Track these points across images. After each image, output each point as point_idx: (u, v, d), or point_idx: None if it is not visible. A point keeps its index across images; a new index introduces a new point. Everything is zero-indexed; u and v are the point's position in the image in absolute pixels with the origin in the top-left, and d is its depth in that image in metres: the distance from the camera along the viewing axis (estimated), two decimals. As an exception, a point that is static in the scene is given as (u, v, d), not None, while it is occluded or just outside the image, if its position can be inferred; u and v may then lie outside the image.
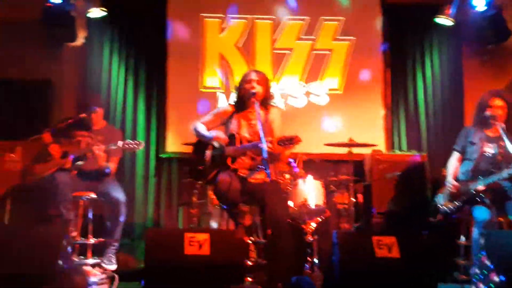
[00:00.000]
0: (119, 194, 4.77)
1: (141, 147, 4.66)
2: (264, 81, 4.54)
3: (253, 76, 4.51)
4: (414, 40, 6.88)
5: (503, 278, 3.40)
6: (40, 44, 6.43)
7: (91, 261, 4.59)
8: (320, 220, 5.26)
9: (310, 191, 5.16)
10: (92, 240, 4.65)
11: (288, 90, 6.72)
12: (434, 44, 6.85)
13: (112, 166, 4.89)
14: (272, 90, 4.75)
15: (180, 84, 6.66)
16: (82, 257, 4.61)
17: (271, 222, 4.24)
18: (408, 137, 6.74)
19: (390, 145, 6.69)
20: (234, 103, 4.67)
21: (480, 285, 3.67)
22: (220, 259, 3.29)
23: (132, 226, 6.29)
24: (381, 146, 6.57)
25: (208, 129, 4.54)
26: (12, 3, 6.30)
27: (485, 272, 3.62)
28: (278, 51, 6.78)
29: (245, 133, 4.45)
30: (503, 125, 4.62)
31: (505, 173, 4.55)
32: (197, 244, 3.30)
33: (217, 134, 4.37)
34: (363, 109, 6.74)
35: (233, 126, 4.50)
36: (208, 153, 4.43)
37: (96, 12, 6.33)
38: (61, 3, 6.19)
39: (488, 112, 4.79)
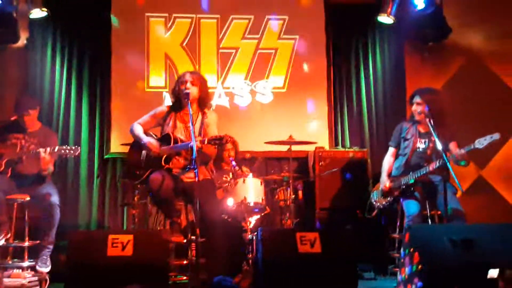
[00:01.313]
0: (53, 197, 4.74)
1: (77, 153, 4.64)
2: (199, 82, 4.58)
3: (188, 77, 4.56)
4: (357, 38, 6.99)
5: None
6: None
7: (26, 263, 4.55)
8: (260, 217, 5.35)
9: (249, 189, 5.22)
10: (26, 243, 4.61)
11: (234, 89, 6.76)
12: (376, 42, 6.97)
13: (51, 169, 4.86)
14: (209, 91, 4.80)
15: (125, 84, 6.64)
16: (16, 259, 4.57)
17: (203, 221, 4.31)
18: (351, 134, 6.84)
19: (334, 142, 6.78)
20: (171, 104, 4.70)
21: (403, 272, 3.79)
22: (142, 260, 3.31)
23: (76, 227, 6.26)
24: (325, 143, 6.67)
25: (145, 130, 4.58)
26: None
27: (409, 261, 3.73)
28: (223, 50, 6.81)
29: (180, 134, 4.48)
30: (431, 121, 4.74)
31: (431, 166, 4.70)
32: (120, 245, 3.32)
33: (150, 141, 4.38)
34: (307, 107, 6.83)
35: (169, 127, 4.54)
36: (144, 153, 4.45)
37: (38, 13, 6.25)
38: (2, 4, 6.10)
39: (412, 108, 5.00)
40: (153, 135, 4.55)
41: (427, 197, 4.94)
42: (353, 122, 6.89)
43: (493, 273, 3.01)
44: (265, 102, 6.79)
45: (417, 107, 5.03)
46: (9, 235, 4.60)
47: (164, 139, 4.43)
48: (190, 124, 4.11)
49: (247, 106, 6.77)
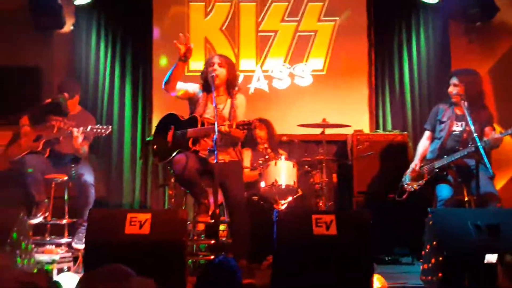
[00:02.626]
0: (88, 177, 4.91)
1: (108, 131, 4.79)
2: (227, 65, 4.60)
3: (216, 59, 4.59)
4: (400, 19, 6.79)
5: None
6: (28, 31, 6.58)
7: (63, 240, 4.77)
8: (292, 199, 5.36)
9: (281, 171, 5.24)
10: (65, 221, 4.83)
11: (272, 72, 6.75)
12: (420, 23, 6.74)
13: (85, 149, 5.04)
14: (237, 74, 4.82)
15: (166, 68, 6.72)
16: (53, 236, 4.79)
17: (228, 202, 4.37)
18: (393, 118, 6.69)
19: (375, 125, 6.66)
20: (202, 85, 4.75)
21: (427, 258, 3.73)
22: (159, 238, 3.39)
23: (121, 207, 6.47)
24: (365, 126, 6.57)
25: (180, 85, 4.59)
26: (-1, -8, 6.49)
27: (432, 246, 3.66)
28: (262, 33, 6.81)
29: (210, 116, 4.51)
30: (466, 103, 4.61)
31: (465, 150, 4.56)
32: (138, 223, 3.41)
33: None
34: (347, 90, 6.73)
35: (200, 107, 4.58)
36: (170, 134, 4.52)
37: (82, -1, 6.49)
38: (47, -10, 6.34)
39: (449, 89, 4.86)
40: (180, 116, 4.61)
41: (463, 181, 4.81)
42: (395, 106, 6.72)
43: (491, 258, 2.90)
44: (304, 85, 6.75)
45: (454, 89, 4.88)
46: (47, 214, 4.82)
47: (191, 120, 4.48)
48: (214, 106, 4.15)
49: (285, 89, 6.75)
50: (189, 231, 5.16)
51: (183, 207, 5.70)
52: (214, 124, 4.17)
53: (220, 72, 4.51)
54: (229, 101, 4.59)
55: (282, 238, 3.43)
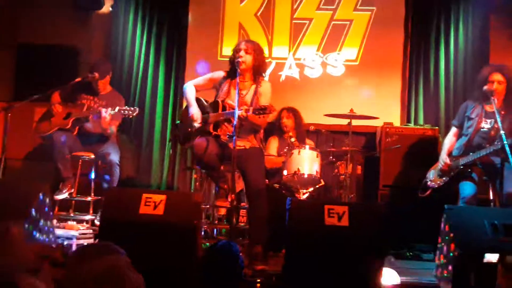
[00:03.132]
0: (114, 157, 5.02)
1: (136, 113, 4.88)
2: (254, 51, 4.57)
3: (242, 45, 4.58)
4: (439, 11, 6.62)
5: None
6: (68, 11, 6.77)
7: (87, 217, 4.90)
8: (314, 189, 5.35)
9: (304, 161, 5.22)
10: (89, 198, 4.96)
11: (305, 60, 6.72)
12: (460, 16, 6.56)
13: (112, 129, 5.15)
14: (266, 61, 4.81)
15: (199, 52, 6.82)
16: (77, 212, 4.93)
17: (248, 188, 4.40)
18: (425, 112, 6.55)
19: (406, 118, 6.56)
20: (227, 71, 4.77)
21: (441, 255, 3.68)
22: (172, 219, 3.44)
23: (148, 188, 6.60)
24: (396, 119, 6.48)
25: (199, 90, 4.69)
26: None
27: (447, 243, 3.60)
28: (297, 21, 6.77)
29: (232, 101, 4.53)
30: (496, 100, 4.50)
31: (491, 148, 4.46)
32: (152, 204, 3.47)
33: (194, 114, 4.49)
34: (380, 81, 6.64)
35: (223, 92, 4.61)
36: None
37: (121, -20, 6.59)
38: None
39: (486, 87, 4.67)
40: (204, 101, 4.65)
41: (489, 179, 4.71)
42: (428, 100, 6.57)
43: (492, 257, 2.83)
44: (336, 75, 6.69)
45: (498, 86, 4.70)
46: (72, 190, 4.96)
47: (214, 105, 4.52)
48: (236, 93, 4.17)
49: (317, 78, 6.70)
50: (210, 215, 5.23)
51: (204, 191, 5.81)
52: (234, 109, 4.21)
53: (246, 58, 4.50)
54: (253, 87, 4.59)
55: (294, 227, 3.43)
